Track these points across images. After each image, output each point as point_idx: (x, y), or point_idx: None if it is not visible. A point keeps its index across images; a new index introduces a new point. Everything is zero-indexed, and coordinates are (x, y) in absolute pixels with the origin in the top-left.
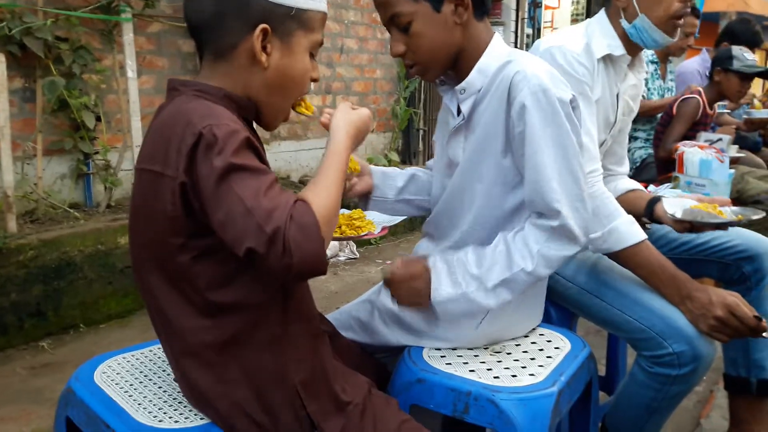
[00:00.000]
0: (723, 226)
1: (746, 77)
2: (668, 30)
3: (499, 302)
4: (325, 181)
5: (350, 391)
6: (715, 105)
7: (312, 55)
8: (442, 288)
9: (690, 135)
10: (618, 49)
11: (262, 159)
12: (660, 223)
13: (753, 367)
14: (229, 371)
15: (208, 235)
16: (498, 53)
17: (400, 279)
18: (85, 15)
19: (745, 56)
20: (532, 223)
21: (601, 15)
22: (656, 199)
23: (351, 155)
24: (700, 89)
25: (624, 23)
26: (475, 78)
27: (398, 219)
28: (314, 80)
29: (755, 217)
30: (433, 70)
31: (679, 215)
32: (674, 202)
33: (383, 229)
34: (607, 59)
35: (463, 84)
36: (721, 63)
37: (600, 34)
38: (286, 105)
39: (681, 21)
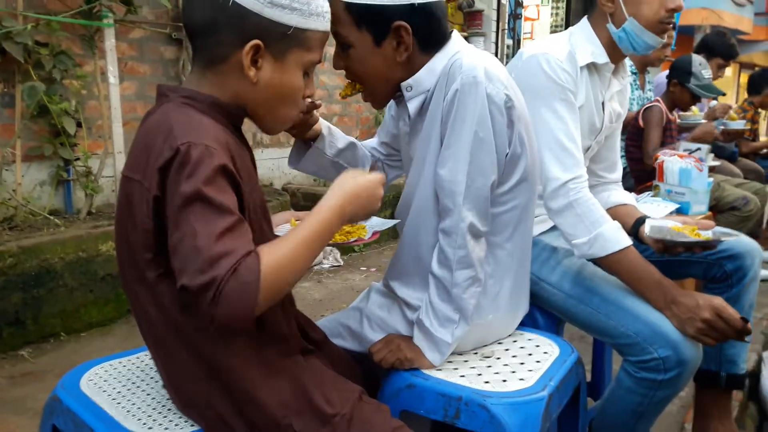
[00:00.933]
0: (693, 245)
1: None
2: (657, 32)
3: (468, 315)
4: (291, 241)
5: (336, 401)
6: (675, 111)
7: (306, 73)
8: (434, 355)
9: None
10: (602, 57)
11: (237, 184)
12: (643, 243)
13: (724, 361)
14: (212, 386)
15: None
16: (449, 51)
17: (388, 362)
18: (66, 20)
19: (703, 74)
20: (441, 230)
21: (584, 23)
22: (642, 220)
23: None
24: (658, 98)
25: (611, 28)
26: (423, 77)
27: (391, 223)
28: (307, 97)
29: (725, 239)
30: (378, 99)
31: (648, 232)
32: (653, 222)
33: (374, 233)
34: (591, 67)
35: (409, 81)
36: (679, 77)
37: (584, 42)
38: (281, 118)
39: (669, 25)
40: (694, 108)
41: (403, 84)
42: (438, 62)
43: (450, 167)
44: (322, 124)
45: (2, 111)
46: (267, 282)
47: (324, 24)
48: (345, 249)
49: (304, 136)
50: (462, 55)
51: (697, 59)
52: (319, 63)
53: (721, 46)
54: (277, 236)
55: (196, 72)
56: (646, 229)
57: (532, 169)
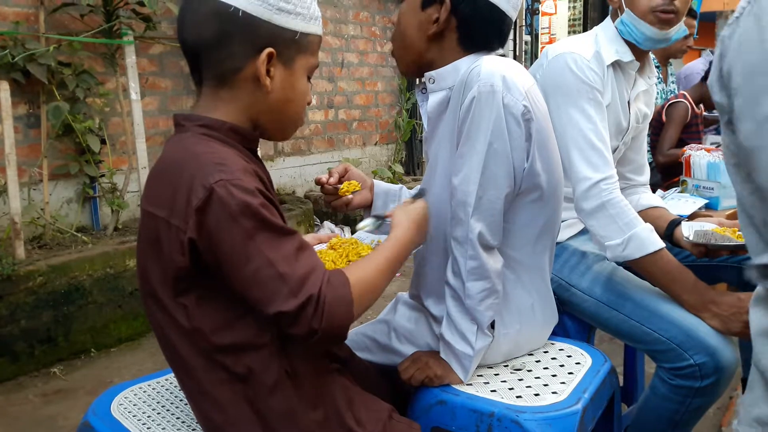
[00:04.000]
0: (738, 249)
1: None
2: (653, 22)
3: (487, 320)
4: (370, 262)
5: (366, 421)
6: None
7: (308, 78)
8: (459, 369)
9: (683, 138)
10: (626, 54)
11: (275, 205)
12: (679, 246)
13: None
14: (241, 411)
15: (210, 278)
16: (476, 57)
17: (417, 380)
18: (87, 40)
19: None
20: (453, 238)
21: (607, 22)
22: (676, 222)
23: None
24: (685, 92)
25: (617, 21)
26: (448, 72)
27: None
28: (307, 103)
29: None
30: (401, 63)
31: (692, 238)
32: (692, 225)
33: None
34: (617, 66)
35: (433, 73)
36: None
37: (607, 41)
38: (290, 123)
39: (670, 15)
40: None
41: (427, 74)
42: (464, 63)
43: (462, 177)
44: (376, 191)
45: (28, 131)
46: (357, 292)
47: (320, 28)
48: None
49: (356, 207)
50: (482, 62)
51: None
52: (317, 67)
53: None
54: None
55: (207, 94)
56: (688, 233)
57: (552, 185)
